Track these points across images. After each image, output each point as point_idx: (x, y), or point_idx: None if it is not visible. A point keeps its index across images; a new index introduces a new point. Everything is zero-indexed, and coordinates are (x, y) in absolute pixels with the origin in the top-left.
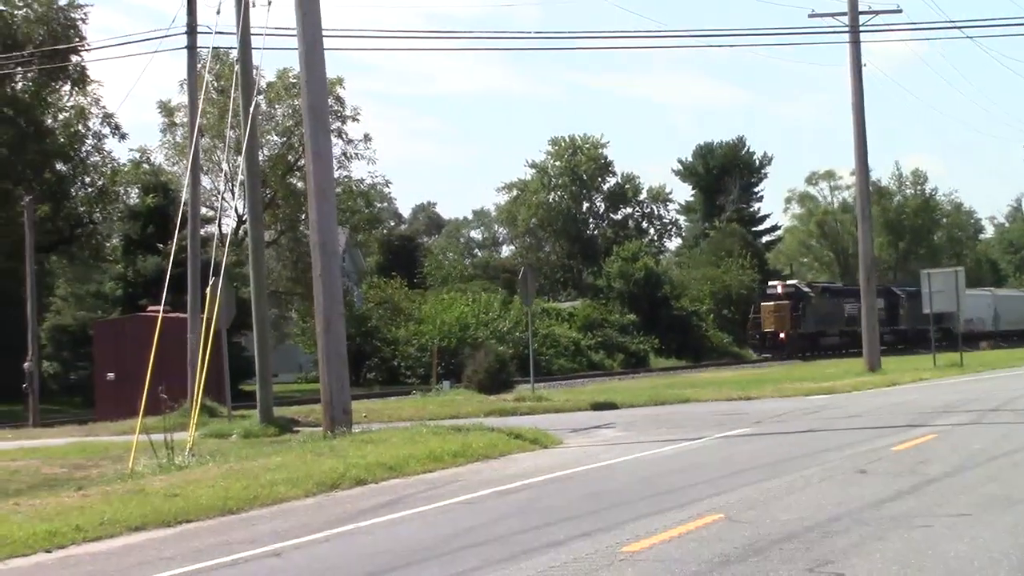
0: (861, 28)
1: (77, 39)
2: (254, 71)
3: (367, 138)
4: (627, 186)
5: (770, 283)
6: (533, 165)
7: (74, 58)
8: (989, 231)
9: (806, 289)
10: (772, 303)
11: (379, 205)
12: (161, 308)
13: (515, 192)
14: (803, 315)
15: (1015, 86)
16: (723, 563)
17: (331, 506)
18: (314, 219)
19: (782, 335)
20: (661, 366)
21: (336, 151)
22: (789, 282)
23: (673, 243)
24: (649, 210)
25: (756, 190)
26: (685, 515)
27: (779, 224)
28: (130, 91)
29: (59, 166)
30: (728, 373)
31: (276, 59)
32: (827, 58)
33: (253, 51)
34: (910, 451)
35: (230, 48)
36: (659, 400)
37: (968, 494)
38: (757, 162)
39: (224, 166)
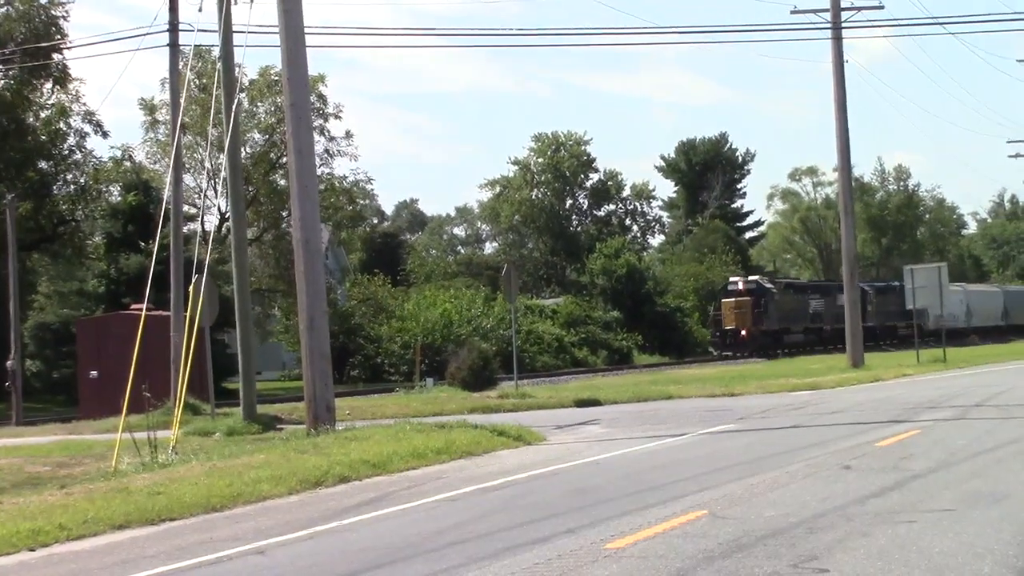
0: (843, 25)
1: (58, 36)
2: (236, 69)
3: (349, 135)
4: (610, 183)
5: (731, 279)
6: (516, 162)
7: (55, 56)
8: (972, 227)
9: (768, 285)
10: (733, 300)
11: (362, 202)
12: (144, 306)
13: (498, 189)
14: (765, 312)
15: (997, 82)
16: (707, 559)
17: (315, 504)
18: (297, 216)
19: (743, 332)
20: (645, 362)
21: (319, 148)
22: (751, 278)
23: (656, 239)
24: (632, 207)
25: (739, 186)
26: (669, 511)
27: (762, 220)
28: (112, 89)
29: (41, 164)
30: (712, 369)
31: (259, 57)
32: (809, 54)
33: (235, 49)
34: (894, 447)
35: (212, 46)
36: (643, 396)
37: (952, 490)
38: (740, 158)
39: (207, 164)
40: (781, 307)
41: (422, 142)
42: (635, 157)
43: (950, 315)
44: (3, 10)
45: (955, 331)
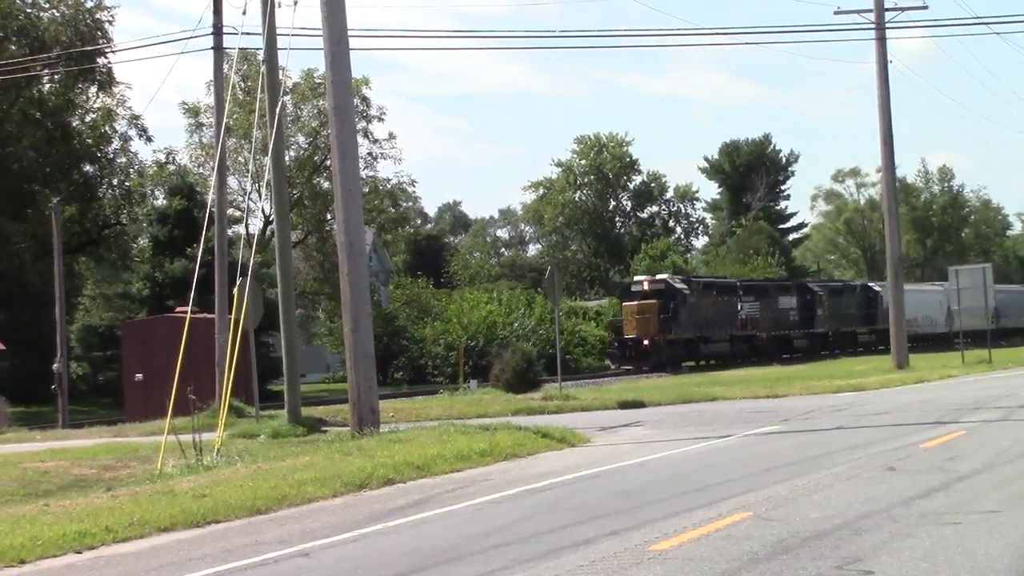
0: (887, 25)
1: (103, 40)
2: (280, 72)
3: (392, 137)
4: (653, 184)
5: (635, 278)
6: (559, 164)
7: (100, 60)
8: (1017, 227)
9: (680, 285)
10: (635, 303)
11: (405, 204)
12: (189, 309)
13: (541, 191)
14: (675, 317)
15: None
16: (752, 561)
17: (359, 506)
18: (341, 219)
19: (646, 342)
20: (687, 364)
21: (362, 151)
22: (658, 276)
23: (700, 241)
24: (676, 208)
25: (782, 188)
26: (713, 513)
27: (806, 222)
28: (156, 93)
29: (86, 168)
30: (756, 371)
31: (302, 59)
32: (852, 55)
33: (279, 52)
34: (939, 448)
35: (256, 49)
36: (687, 398)
37: (998, 491)
38: (783, 160)
39: (251, 167)
40: (697, 311)
41: (463, 144)
42: (676, 158)
43: (925, 318)
44: (48, 14)
45: (934, 336)
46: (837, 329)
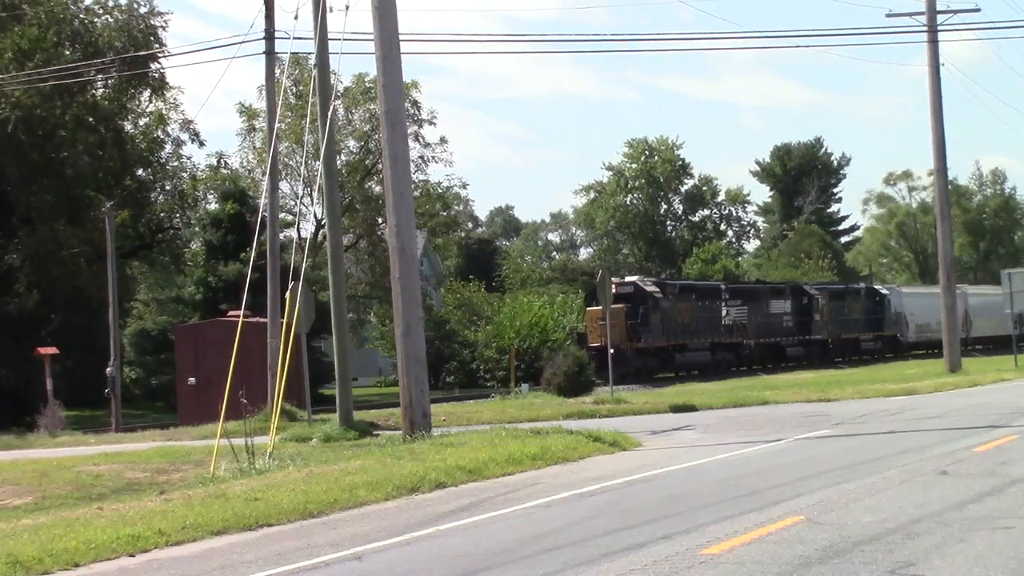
0: (939, 28)
1: (157, 46)
2: (332, 76)
3: (444, 141)
4: (704, 188)
5: None
6: (610, 168)
7: (153, 65)
8: None
9: (651, 288)
10: (599, 308)
11: (456, 208)
12: (241, 312)
13: (592, 195)
14: (646, 323)
15: None
16: (804, 565)
17: (411, 509)
18: (392, 223)
19: (612, 351)
20: (743, 368)
21: (413, 155)
22: (628, 279)
23: (751, 245)
24: (727, 212)
25: (834, 191)
26: (765, 517)
27: (858, 225)
28: (208, 97)
29: (139, 172)
30: (808, 374)
31: (353, 64)
32: (903, 57)
33: (330, 56)
34: (992, 452)
35: (308, 53)
36: (738, 402)
37: None
38: (835, 163)
39: (302, 171)
40: (673, 317)
41: (514, 148)
42: (725, 162)
43: (926, 324)
44: (103, 20)
45: (934, 342)
46: (838, 336)
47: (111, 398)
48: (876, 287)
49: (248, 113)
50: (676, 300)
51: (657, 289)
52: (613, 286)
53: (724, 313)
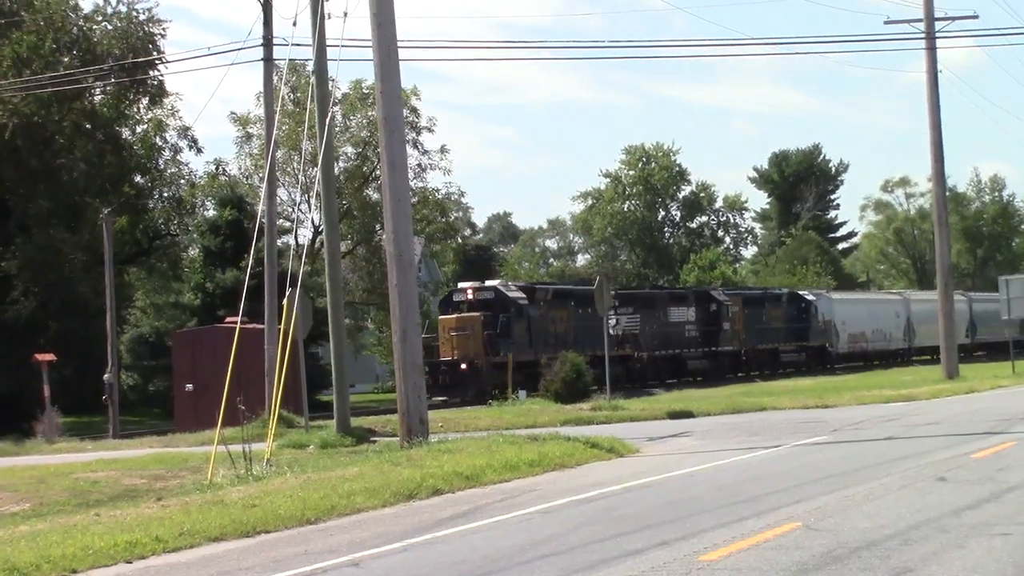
0: (937, 35)
1: (155, 53)
2: (330, 83)
3: (444, 149)
4: (702, 194)
5: (459, 285)
6: (607, 174)
7: (151, 72)
8: None
9: (515, 294)
10: (454, 316)
11: (454, 215)
12: (239, 319)
13: (590, 201)
14: (507, 334)
15: None
16: (801, 571)
17: (408, 516)
18: (390, 230)
19: (463, 366)
20: (739, 375)
21: (412, 162)
22: (488, 283)
23: (749, 251)
24: (725, 218)
25: (832, 197)
26: (763, 523)
27: (855, 231)
28: (206, 104)
29: (137, 179)
30: (806, 381)
31: (352, 70)
32: (901, 64)
33: (329, 63)
34: (990, 458)
35: (306, 60)
36: (736, 408)
37: None
38: (833, 169)
39: (300, 177)
40: (543, 326)
41: (512, 154)
42: (723, 168)
43: (877, 333)
44: (101, 27)
45: (888, 352)
46: (753, 347)
47: (108, 404)
48: (801, 292)
49: (241, 121)
50: (548, 307)
51: (523, 295)
52: (470, 291)
53: (613, 323)
